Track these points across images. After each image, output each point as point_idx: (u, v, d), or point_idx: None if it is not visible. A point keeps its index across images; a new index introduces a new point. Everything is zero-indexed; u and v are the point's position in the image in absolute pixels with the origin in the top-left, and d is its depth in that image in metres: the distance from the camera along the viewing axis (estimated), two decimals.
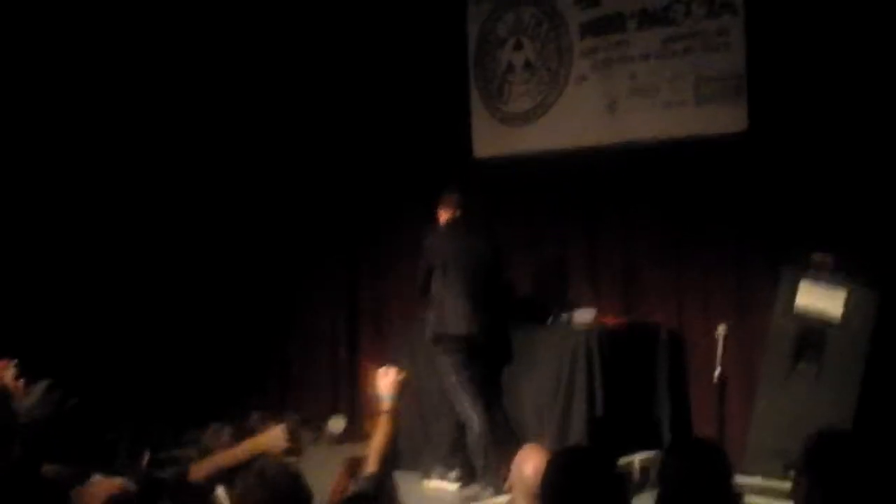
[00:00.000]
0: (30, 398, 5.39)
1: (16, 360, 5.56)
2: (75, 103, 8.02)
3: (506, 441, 6.31)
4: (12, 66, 7.62)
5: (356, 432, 7.88)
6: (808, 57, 6.20)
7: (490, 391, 6.46)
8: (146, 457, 4.78)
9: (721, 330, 6.13)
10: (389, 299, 8.14)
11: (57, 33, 7.83)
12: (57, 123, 7.96)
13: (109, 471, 4.10)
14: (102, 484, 3.87)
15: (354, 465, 3.66)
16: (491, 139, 7.70)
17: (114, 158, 8.23)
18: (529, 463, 3.71)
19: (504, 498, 6.10)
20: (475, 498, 6.21)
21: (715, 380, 6.13)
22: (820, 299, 5.58)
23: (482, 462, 6.29)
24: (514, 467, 3.82)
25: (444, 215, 6.64)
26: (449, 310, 6.40)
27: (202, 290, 8.60)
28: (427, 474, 6.40)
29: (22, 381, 5.52)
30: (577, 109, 7.26)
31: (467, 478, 6.42)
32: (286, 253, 8.75)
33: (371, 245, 8.37)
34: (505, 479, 6.06)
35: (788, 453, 5.19)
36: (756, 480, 5.35)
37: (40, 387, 5.44)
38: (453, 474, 6.36)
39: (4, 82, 7.58)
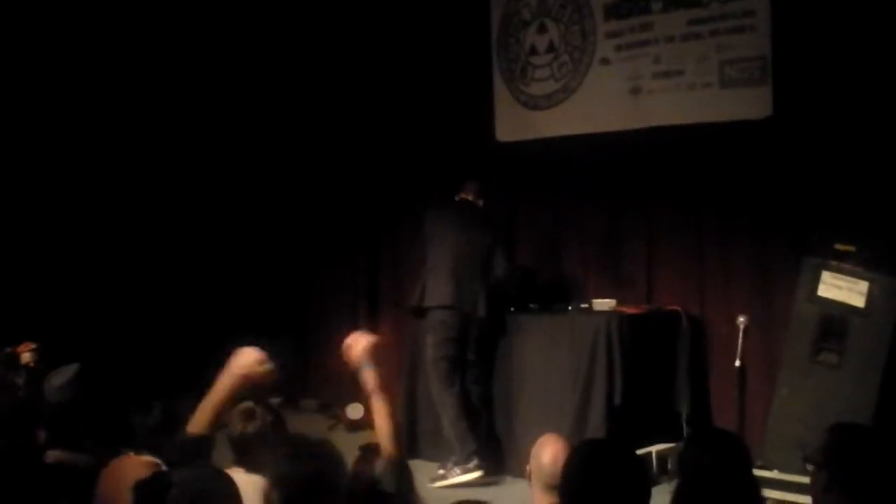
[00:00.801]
0: (58, 379, 5.45)
1: (36, 344, 5.62)
2: (106, 97, 8.09)
3: (472, 424, 6.38)
4: (21, 65, 7.63)
5: (373, 419, 7.92)
6: (836, 40, 6.11)
7: (462, 376, 6.45)
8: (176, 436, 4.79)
9: (742, 320, 6.09)
10: (410, 285, 8.11)
11: (58, 33, 7.81)
12: (90, 118, 8.04)
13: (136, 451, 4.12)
14: (132, 461, 3.89)
15: (370, 452, 3.64)
16: (513, 123, 7.67)
17: (142, 147, 8.30)
18: (547, 451, 3.71)
19: (471, 476, 6.14)
20: (442, 477, 6.23)
21: (735, 370, 6.09)
22: (842, 289, 5.53)
23: (450, 442, 6.33)
24: (532, 456, 3.82)
25: (460, 196, 6.69)
26: (429, 282, 6.43)
27: (225, 275, 8.65)
28: (444, 464, 6.40)
29: (32, 365, 5.57)
30: (600, 93, 7.21)
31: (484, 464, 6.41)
32: (308, 239, 8.77)
33: (392, 231, 8.37)
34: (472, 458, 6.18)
35: (808, 443, 5.19)
36: (773, 474, 5.32)
37: (70, 370, 5.50)
38: (472, 464, 6.37)
39: (19, 82, 7.60)
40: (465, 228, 6.50)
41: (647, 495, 2.87)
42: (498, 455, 6.43)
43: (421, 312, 6.53)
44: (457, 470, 6.25)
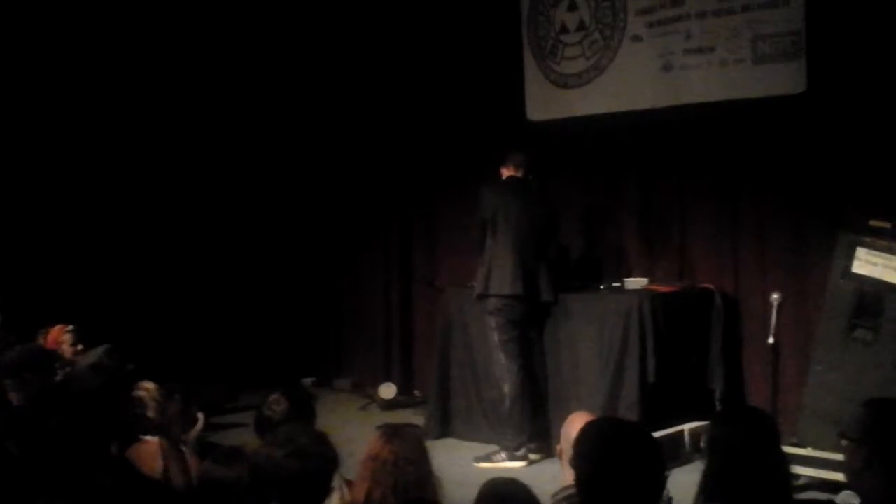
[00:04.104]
0: (87, 360, 5.52)
1: (73, 326, 5.68)
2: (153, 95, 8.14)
3: (534, 410, 6.36)
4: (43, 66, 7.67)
5: (406, 399, 7.96)
6: (870, 14, 6.03)
7: (530, 357, 6.44)
8: (200, 420, 4.85)
9: (775, 297, 6.04)
10: (443, 265, 8.14)
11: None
12: (139, 112, 8.12)
13: (164, 434, 4.17)
14: (151, 445, 3.96)
15: (391, 431, 3.65)
16: (544, 102, 7.64)
17: (178, 135, 8.34)
18: (577, 429, 3.70)
19: (515, 464, 6.13)
20: (487, 459, 6.23)
21: (768, 347, 6.05)
22: (877, 265, 5.47)
23: (504, 426, 6.33)
24: (562, 434, 3.81)
25: (504, 173, 6.58)
26: (495, 269, 6.35)
27: (258, 256, 8.70)
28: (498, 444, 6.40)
29: (80, 346, 5.65)
30: (631, 70, 7.16)
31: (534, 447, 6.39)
32: (341, 219, 8.80)
33: (424, 210, 8.38)
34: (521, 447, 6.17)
35: (842, 421, 5.14)
36: (807, 451, 5.28)
37: (98, 351, 5.56)
38: (520, 453, 6.37)
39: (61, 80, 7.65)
40: (526, 209, 6.40)
41: (660, 476, 2.77)
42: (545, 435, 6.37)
43: (482, 298, 6.44)
44: (503, 455, 6.25)
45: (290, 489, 3.10)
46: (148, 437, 4.02)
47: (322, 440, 3.27)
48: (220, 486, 3.18)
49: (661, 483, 2.78)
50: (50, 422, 3.95)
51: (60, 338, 5.76)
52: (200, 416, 4.95)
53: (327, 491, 3.22)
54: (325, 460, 3.20)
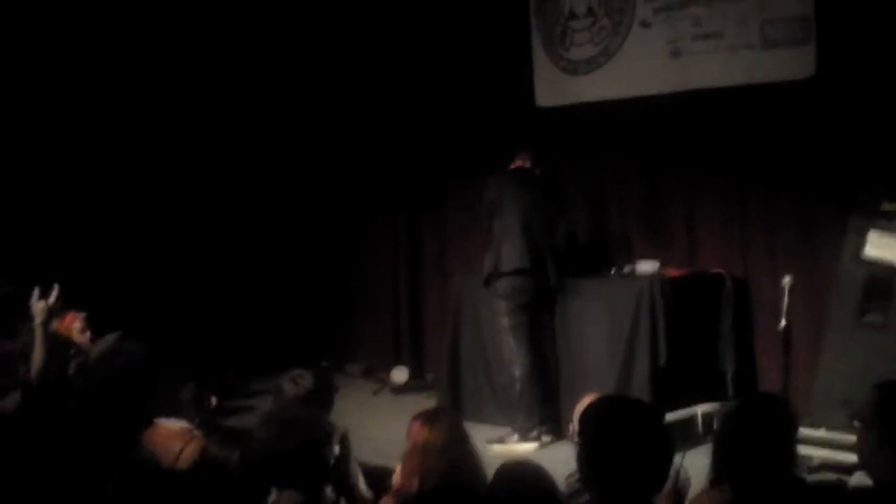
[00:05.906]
0: (100, 347, 5.52)
1: (84, 313, 5.67)
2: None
3: (545, 393, 6.39)
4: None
5: (418, 383, 7.98)
6: None
7: (540, 340, 6.47)
8: (213, 403, 4.85)
9: (786, 280, 6.04)
10: (452, 250, 8.15)
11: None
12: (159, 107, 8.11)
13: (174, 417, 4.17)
14: (165, 429, 3.97)
15: (430, 417, 3.65)
16: (553, 88, 7.64)
17: (183, 125, 8.33)
18: None
19: (528, 446, 6.15)
20: (500, 440, 6.24)
21: (780, 331, 6.05)
22: (888, 248, 5.47)
23: (516, 409, 6.35)
24: (574, 416, 3.83)
25: (514, 164, 6.66)
26: (503, 249, 6.41)
27: (269, 241, 8.71)
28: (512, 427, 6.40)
29: (90, 333, 5.65)
30: (640, 56, 7.16)
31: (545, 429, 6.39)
32: (350, 205, 8.81)
33: (434, 196, 8.38)
34: (533, 429, 6.20)
35: (854, 404, 5.13)
36: (820, 433, 5.29)
37: (110, 338, 5.56)
38: (532, 434, 6.39)
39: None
40: (530, 196, 6.48)
41: (667, 454, 2.70)
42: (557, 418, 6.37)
43: (493, 279, 6.49)
44: (515, 437, 6.28)
45: (286, 469, 3.06)
46: (162, 421, 4.02)
47: (314, 417, 3.26)
48: (218, 467, 3.17)
49: (668, 461, 2.71)
50: (66, 410, 3.96)
51: (72, 324, 5.75)
52: (213, 399, 4.96)
53: (326, 468, 3.19)
54: (317, 437, 3.16)
